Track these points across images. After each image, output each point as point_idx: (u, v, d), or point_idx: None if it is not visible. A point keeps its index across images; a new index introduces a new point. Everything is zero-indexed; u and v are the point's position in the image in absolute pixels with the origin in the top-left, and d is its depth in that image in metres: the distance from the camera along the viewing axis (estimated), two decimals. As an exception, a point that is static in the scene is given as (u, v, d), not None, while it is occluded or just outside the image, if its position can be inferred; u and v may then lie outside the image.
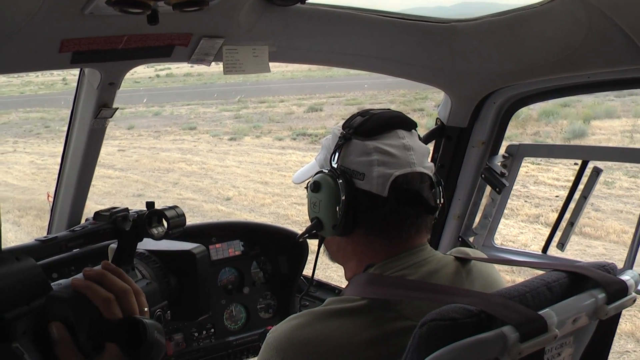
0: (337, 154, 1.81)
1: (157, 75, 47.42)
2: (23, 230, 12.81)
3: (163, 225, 1.54)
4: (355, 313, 1.65)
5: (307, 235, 1.95)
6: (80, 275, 1.36)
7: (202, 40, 2.08)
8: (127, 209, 1.54)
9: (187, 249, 1.59)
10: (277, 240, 3.48)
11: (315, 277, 3.57)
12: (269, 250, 3.50)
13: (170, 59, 2.20)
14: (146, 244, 1.58)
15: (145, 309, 1.37)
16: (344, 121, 1.88)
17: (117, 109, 2.43)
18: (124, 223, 1.51)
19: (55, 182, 2.99)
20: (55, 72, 57.72)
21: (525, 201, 12.44)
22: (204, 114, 29.16)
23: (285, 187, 14.87)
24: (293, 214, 12.70)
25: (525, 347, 1.29)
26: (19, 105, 36.30)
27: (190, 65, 2.34)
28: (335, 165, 1.80)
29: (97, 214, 1.53)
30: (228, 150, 20.52)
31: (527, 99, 2.78)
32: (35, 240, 1.41)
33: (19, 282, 1.21)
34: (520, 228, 11.10)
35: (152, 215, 1.53)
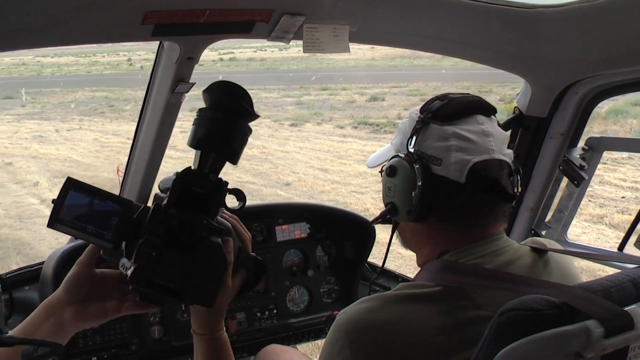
0: (414, 138, 1.78)
1: (221, 59, 47.83)
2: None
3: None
4: (428, 299, 1.63)
5: (380, 220, 1.93)
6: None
7: (283, 17, 2.06)
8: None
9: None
10: (344, 224, 3.48)
11: (373, 263, 3.59)
12: (335, 234, 3.49)
13: (250, 35, 2.18)
14: None
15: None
16: (421, 105, 1.85)
17: (193, 84, 2.43)
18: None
19: (127, 156, 3.01)
20: (120, 52, 59.07)
21: (590, 200, 12.16)
22: (265, 99, 29.29)
23: (345, 175, 14.86)
24: (352, 202, 12.66)
25: (609, 344, 1.24)
26: (85, 84, 37.08)
27: (268, 42, 2.32)
28: (412, 150, 1.77)
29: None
30: (289, 136, 20.60)
31: (612, 90, 2.69)
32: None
33: None
34: (583, 228, 10.86)
35: (229, 193, 1.68)
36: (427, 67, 38.13)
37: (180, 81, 2.36)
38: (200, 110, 1.54)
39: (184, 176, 1.50)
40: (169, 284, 1.46)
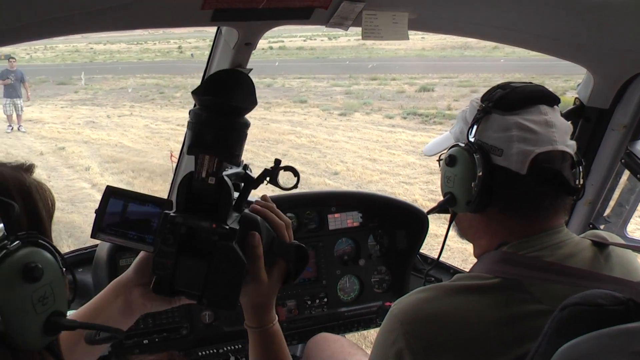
0: (474, 128, 1.75)
1: (270, 47, 48.03)
2: (136, 190, 13.24)
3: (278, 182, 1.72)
4: (486, 291, 1.60)
5: (437, 210, 1.91)
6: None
7: (342, 3, 2.04)
8: (247, 165, 1.76)
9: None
10: (397, 214, 3.44)
11: (425, 254, 3.56)
12: (387, 223, 3.46)
13: (309, 21, 2.17)
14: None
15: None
16: (482, 94, 1.81)
17: (251, 69, 2.43)
18: (248, 170, 1.73)
19: (177, 143, 3.03)
20: (171, 40, 59.66)
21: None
22: (314, 88, 29.31)
23: (394, 166, 14.78)
24: (400, 192, 12.59)
25: None
26: (136, 71, 37.57)
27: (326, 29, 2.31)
28: (472, 139, 1.74)
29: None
30: (338, 125, 20.55)
31: (679, 81, 2.57)
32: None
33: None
34: (637, 224, 10.63)
35: (281, 169, 1.70)
36: (478, 57, 37.76)
37: (238, 67, 2.37)
38: (189, 113, 1.50)
39: (186, 182, 1.49)
40: (189, 290, 1.48)
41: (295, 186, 1.72)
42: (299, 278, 1.72)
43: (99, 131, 20.73)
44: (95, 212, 1.63)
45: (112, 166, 15.65)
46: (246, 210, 1.63)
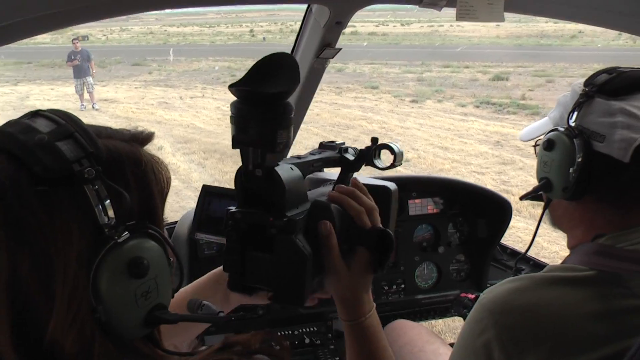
0: (575, 113, 1.68)
1: (342, 33, 47.84)
2: (207, 171, 13.41)
3: (380, 159, 1.67)
4: (580, 283, 1.53)
5: (530, 196, 1.86)
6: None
7: (439, -18, 2.00)
8: (343, 143, 1.71)
9: (384, 184, 1.69)
10: (479, 202, 3.37)
11: (504, 244, 3.49)
12: (468, 211, 3.40)
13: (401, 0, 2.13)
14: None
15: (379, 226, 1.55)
16: (585, 78, 1.74)
17: (340, 49, 2.40)
18: (346, 153, 1.68)
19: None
20: (243, 23, 60.21)
21: None
22: (386, 74, 29.18)
23: (465, 155, 14.59)
24: (471, 182, 12.46)
25: None
26: (209, 53, 38.04)
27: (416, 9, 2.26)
28: (572, 124, 1.68)
29: (322, 144, 1.72)
30: (409, 112, 20.38)
31: None
32: (292, 156, 1.56)
33: (296, 188, 1.42)
34: None
35: (378, 149, 1.65)
36: (555, 46, 36.91)
37: (327, 46, 2.35)
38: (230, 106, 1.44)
39: (239, 176, 1.41)
40: (260, 286, 1.43)
41: (393, 165, 1.65)
42: (385, 266, 1.55)
43: (172, 112, 21.07)
44: (195, 211, 1.65)
45: (184, 146, 15.87)
46: (318, 198, 1.53)
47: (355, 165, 1.66)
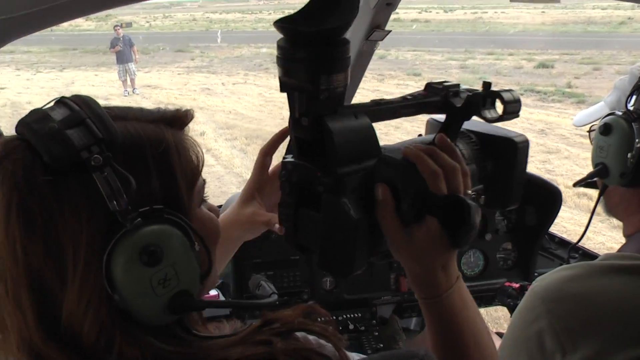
0: (634, 96, 1.63)
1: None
2: (249, 157, 13.46)
3: (495, 109, 1.38)
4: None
5: (584, 182, 1.81)
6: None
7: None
8: (459, 85, 1.42)
9: (509, 135, 1.42)
10: (528, 188, 3.22)
11: (553, 233, 3.42)
12: (516, 198, 3.31)
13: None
14: (466, 124, 1.45)
15: (469, 192, 1.30)
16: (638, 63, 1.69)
17: (389, 31, 2.36)
18: (455, 98, 1.41)
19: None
20: (285, 10, 60.21)
21: None
22: (429, 61, 28.92)
23: (508, 143, 14.44)
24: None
25: None
26: (250, 40, 38.12)
27: None
28: (631, 108, 1.63)
29: (429, 85, 1.43)
30: (451, 100, 20.23)
31: None
32: (372, 101, 1.32)
33: (355, 140, 1.21)
34: None
35: (487, 96, 1.38)
36: (602, 33, 36.17)
37: (376, 28, 2.31)
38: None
39: (291, 122, 1.25)
40: (310, 246, 1.29)
41: (503, 117, 1.36)
42: (465, 242, 1.24)
43: (214, 98, 21.20)
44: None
45: (226, 132, 15.96)
46: (387, 154, 1.27)
47: (462, 113, 1.41)
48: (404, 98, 1.38)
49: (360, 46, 2.38)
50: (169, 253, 1.00)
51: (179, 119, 1.16)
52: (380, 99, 1.34)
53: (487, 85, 1.38)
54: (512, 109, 1.37)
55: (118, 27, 22.68)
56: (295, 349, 1.07)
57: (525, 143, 1.43)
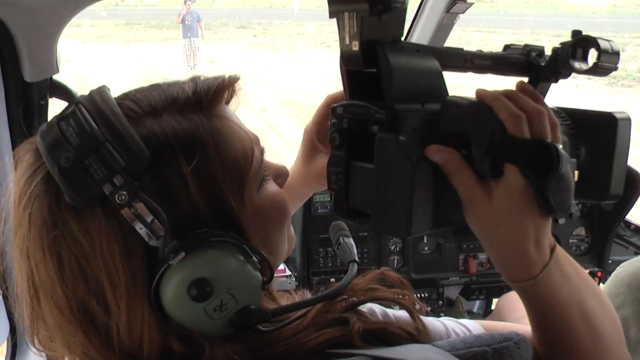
0: None
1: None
2: (308, 136, 13.46)
3: (587, 62, 1.18)
4: None
5: None
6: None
7: None
8: (542, 47, 1.26)
9: (607, 111, 1.17)
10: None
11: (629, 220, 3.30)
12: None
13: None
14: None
15: (560, 146, 0.98)
16: None
17: (472, 4, 2.29)
18: (538, 58, 1.25)
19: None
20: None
21: None
22: (494, 42, 28.47)
23: (575, 127, 14.16)
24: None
25: None
26: (314, 18, 38.07)
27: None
28: None
29: (507, 46, 1.29)
30: (514, 83, 19.89)
31: None
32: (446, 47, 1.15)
33: (416, 76, 1.02)
34: None
35: (578, 45, 1.19)
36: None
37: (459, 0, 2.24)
38: None
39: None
40: (364, 208, 1.06)
41: (594, 70, 1.16)
42: (559, 201, 0.97)
43: (276, 74, 21.23)
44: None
45: (287, 109, 15.98)
46: (455, 96, 1.05)
47: (547, 72, 1.22)
48: (480, 50, 1.21)
49: (441, 19, 2.32)
50: (221, 281, 0.91)
51: (217, 94, 1.02)
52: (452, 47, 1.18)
53: (577, 32, 1.20)
54: (608, 62, 1.17)
55: (188, 3, 22.87)
56: (371, 330, 1.01)
57: (628, 121, 1.17)
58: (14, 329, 2.20)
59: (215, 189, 0.95)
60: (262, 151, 1.08)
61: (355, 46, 0.98)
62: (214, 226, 0.94)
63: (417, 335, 1.05)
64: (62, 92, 1.97)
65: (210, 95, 1.00)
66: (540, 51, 1.25)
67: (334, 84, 1.22)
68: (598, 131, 1.15)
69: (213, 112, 1.00)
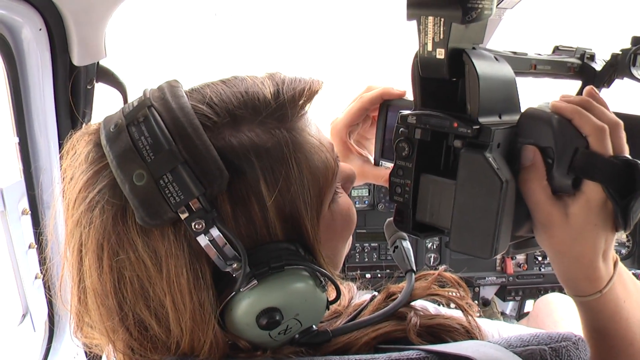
0: None
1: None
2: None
3: None
4: None
5: None
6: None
7: None
8: (593, 51, 1.24)
9: None
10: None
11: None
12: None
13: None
14: None
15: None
16: None
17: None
18: (591, 62, 1.23)
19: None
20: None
21: None
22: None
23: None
24: None
25: None
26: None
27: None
28: None
29: (557, 48, 1.26)
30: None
31: None
32: (509, 50, 1.12)
33: (497, 86, 0.99)
34: None
35: (639, 52, 1.17)
36: None
37: (506, -5, 2.19)
38: None
39: (415, 66, 1.00)
40: (436, 224, 1.01)
41: None
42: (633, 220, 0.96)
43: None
44: (375, 135, 1.31)
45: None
46: (533, 108, 1.01)
47: (603, 77, 1.22)
48: (537, 54, 1.18)
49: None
50: (290, 310, 0.88)
51: (301, 105, 0.95)
52: (514, 51, 1.14)
53: (637, 39, 1.19)
54: None
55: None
56: (428, 325, 0.99)
57: None
58: (51, 312, 2.21)
59: (293, 210, 0.90)
60: (336, 160, 0.99)
61: (441, 54, 0.93)
62: (287, 251, 0.89)
63: (472, 331, 1.03)
64: (109, 77, 1.97)
65: (293, 106, 0.93)
66: (592, 54, 1.24)
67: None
68: (635, 133, 1.08)
69: (295, 125, 0.93)
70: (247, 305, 0.86)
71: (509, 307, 3.63)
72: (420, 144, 1.00)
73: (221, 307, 0.87)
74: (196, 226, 0.81)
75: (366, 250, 2.95)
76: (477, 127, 0.93)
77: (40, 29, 1.70)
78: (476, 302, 3.08)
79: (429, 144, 0.99)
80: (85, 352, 2.34)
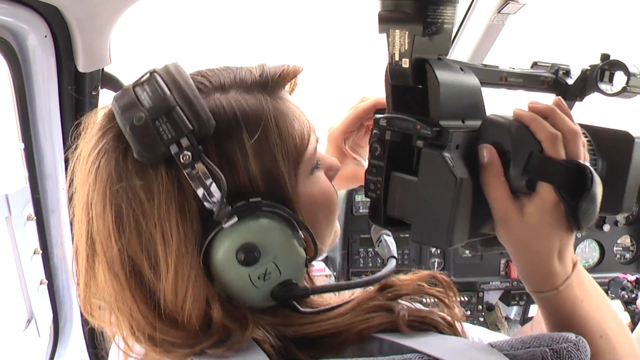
0: None
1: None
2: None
3: (615, 85, 1.28)
4: None
5: None
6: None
7: None
8: (568, 65, 1.34)
9: (625, 130, 1.22)
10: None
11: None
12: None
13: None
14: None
15: (588, 164, 1.07)
16: None
17: (524, 4, 2.26)
18: (566, 77, 1.32)
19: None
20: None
21: None
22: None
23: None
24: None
25: None
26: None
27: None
28: None
29: (535, 63, 1.35)
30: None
31: None
32: (481, 63, 1.22)
33: (460, 93, 1.09)
34: None
35: (606, 68, 1.27)
36: None
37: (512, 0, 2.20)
38: None
39: (386, 73, 1.11)
40: (403, 217, 1.11)
41: (625, 91, 1.24)
42: (586, 219, 1.04)
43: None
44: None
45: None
46: (495, 115, 1.10)
47: (574, 91, 1.29)
48: (510, 67, 1.27)
49: (490, 19, 2.28)
50: (268, 249, 0.96)
51: (282, 79, 1.08)
52: (486, 64, 1.23)
53: (605, 56, 1.28)
54: (637, 85, 1.25)
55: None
56: (415, 318, 1.02)
57: None
58: (56, 317, 2.23)
59: (272, 163, 1.00)
60: (317, 140, 1.12)
61: (406, 63, 1.05)
62: (267, 198, 0.99)
63: (454, 325, 1.08)
64: (114, 83, 1.99)
65: (275, 79, 1.06)
66: (567, 70, 1.33)
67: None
68: (615, 148, 1.20)
69: (277, 95, 1.06)
70: (227, 241, 0.95)
71: (513, 311, 3.62)
72: (392, 145, 1.11)
73: (205, 246, 0.96)
74: (183, 158, 0.92)
75: (370, 255, 2.96)
76: (437, 129, 1.03)
77: (45, 36, 1.72)
78: (480, 306, 3.08)
79: (401, 144, 1.09)
80: (90, 357, 2.35)
